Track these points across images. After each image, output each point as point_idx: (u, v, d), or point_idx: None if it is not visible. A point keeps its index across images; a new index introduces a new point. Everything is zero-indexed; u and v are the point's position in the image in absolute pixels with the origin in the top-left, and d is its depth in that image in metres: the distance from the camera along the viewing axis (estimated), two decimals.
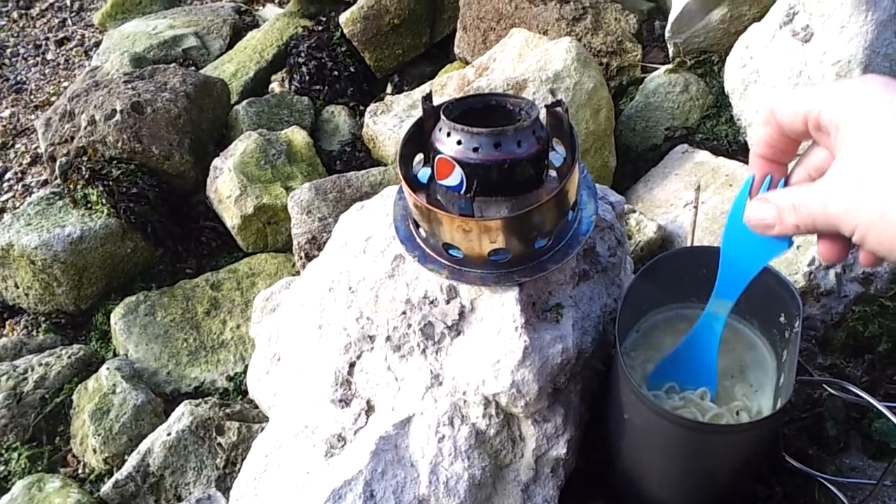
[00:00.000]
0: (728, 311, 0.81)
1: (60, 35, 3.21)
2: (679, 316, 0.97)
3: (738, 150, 1.72)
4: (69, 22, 3.28)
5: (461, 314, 0.92)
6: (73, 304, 1.85)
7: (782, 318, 0.87)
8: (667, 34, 1.93)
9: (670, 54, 1.96)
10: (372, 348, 0.98)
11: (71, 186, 1.92)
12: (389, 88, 2.42)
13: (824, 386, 0.87)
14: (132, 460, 1.42)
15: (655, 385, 0.90)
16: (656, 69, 1.93)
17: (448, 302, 0.92)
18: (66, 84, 2.92)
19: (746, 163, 1.63)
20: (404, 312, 0.94)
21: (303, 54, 2.40)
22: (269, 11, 3.01)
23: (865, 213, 0.50)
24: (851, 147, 0.51)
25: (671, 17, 1.89)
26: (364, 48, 2.36)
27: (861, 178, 0.50)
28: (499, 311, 0.89)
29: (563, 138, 0.90)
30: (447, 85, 2.01)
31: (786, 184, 0.63)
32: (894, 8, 1.44)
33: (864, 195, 0.50)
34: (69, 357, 1.70)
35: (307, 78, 2.35)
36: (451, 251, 0.87)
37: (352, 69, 2.37)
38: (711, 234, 1.49)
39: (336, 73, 2.36)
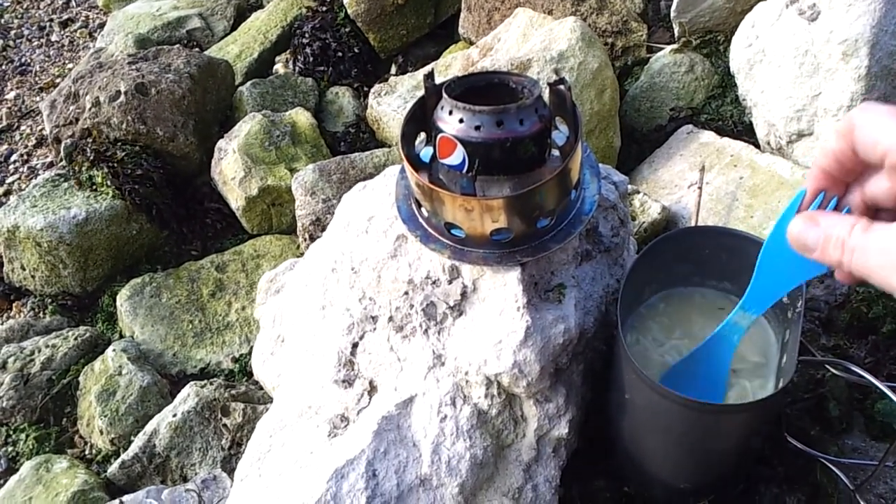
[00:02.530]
0: (749, 324, 0.78)
1: (65, 17, 3.20)
2: (681, 295, 0.97)
3: (743, 131, 1.71)
4: (73, 3, 3.27)
5: (463, 294, 0.92)
6: (79, 285, 1.86)
7: (785, 299, 0.86)
8: (672, 14, 1.91)
9: (676, 34, 1.94)
10: (374, 329, 0.99)
11: (76, 168, 1.92)
12: (394, 69, 2.41)
13: (827, 366, 0.86)
14: (138, 441, 1.43)
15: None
16: (662, 49, 1.92)
17: (450, 282, 0.92)
18: (70, 66, 2.92)
19: (751, 143, 1.62)
20: (406, 293, 0.94)
21: (307, 35, 2.38)
22: None
23: None
24: None
25: None
26: (368, 29, 2.35)
27: None
28: (501, 291, 0.89)
29: (566, 117, 0.89)
30: (451, 65, 2.00)
31: (838, 203, 0.58)
32: None
33: None
34: (75, 339, 1.71)
35: (311, 59, 2.35)
36: (453, 231, 0.87)
37: (356, 50, 2.36)
38: (716, 214, 1.48)
39: (340, 54, 2.35)
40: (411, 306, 0.94)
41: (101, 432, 1.52)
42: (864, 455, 1.02)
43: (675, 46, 1.88)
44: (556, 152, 0.90)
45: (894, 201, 0.52)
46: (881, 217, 0.56)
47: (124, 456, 1.42)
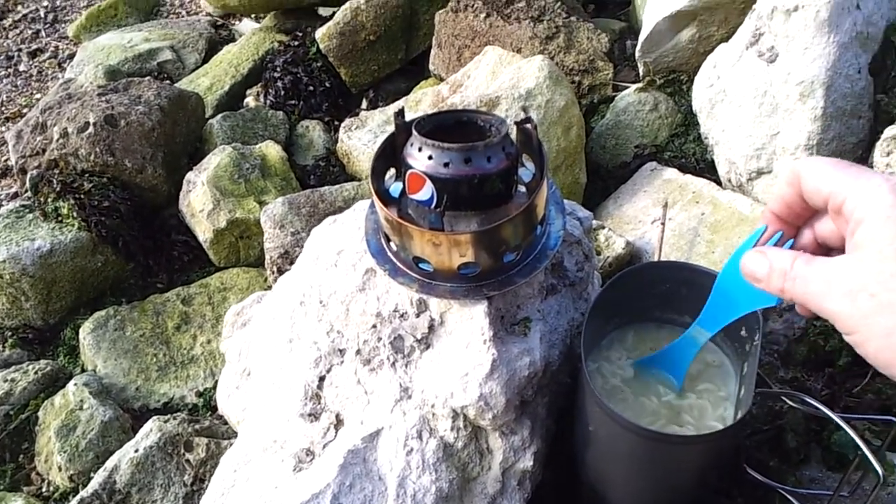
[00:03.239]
0: (705, 340, 0.84)
1: (34, 46, 3.19)
2: (643, 328, 0.99)
3: (704, 168, 1.75)
4: (43, 34, 3.26)
5: (431, 327, 0.92)
6: (41, 318, 1.83)
7: (743, 332, 0.88)
8: (637, 53, 1.97)
9: (640, 73, 2.00)
10: (342, 362, 0.99)
11: (41, 199, 1.90)
12: (364, 104, 2.43)
13: (784, 398, 0.89)
14: (98, 477, 1.40)
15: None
16: (627, 88, 1.97)
17: (418, 315, 0.93)
18: (38, 96, 2.90)
19: (713, 180, 1.67)
20: (374, 326, 0.95)
21: (278, 69, 2.40)
22: (246, 26, 3.01)
23: (872, 327, 0.51)
24: (871, 253, 0.51)
25: (641, 37, 1.93)
26: (340, 64, 2.38)
27: (876, 289, 0.50)
28: (468, 325, 0.90)
29: (533, 154, 0.91)
30: (422, 101, 2.03)
31: (793, 245, 0.65)
32: (855, 31, 1.49)
33: (874, 309, 0.50)
34: (36, 372, 1.68)
35: (282, 92, 2.36)
36: (421, 265, 0.88)
37: (327, 84, 2.38)
38: (678, 250, 1.51)
39: (311, 88, 2.37)
40: (379, 339, 0.94)
41: (60, 468, 1.49)
42: (822, 485, 1.04)
43: (639, 85, 1.93)
44: (522, 188, 0.92)
45: (840, 241, 0.57)
46: (832, 255, 0.61)
47: (83, 493, 1.39)
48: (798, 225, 0.65)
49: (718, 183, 1.68)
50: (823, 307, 0.54)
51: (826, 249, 0.64)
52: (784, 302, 0.64)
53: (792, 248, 0.64)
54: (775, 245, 0.65)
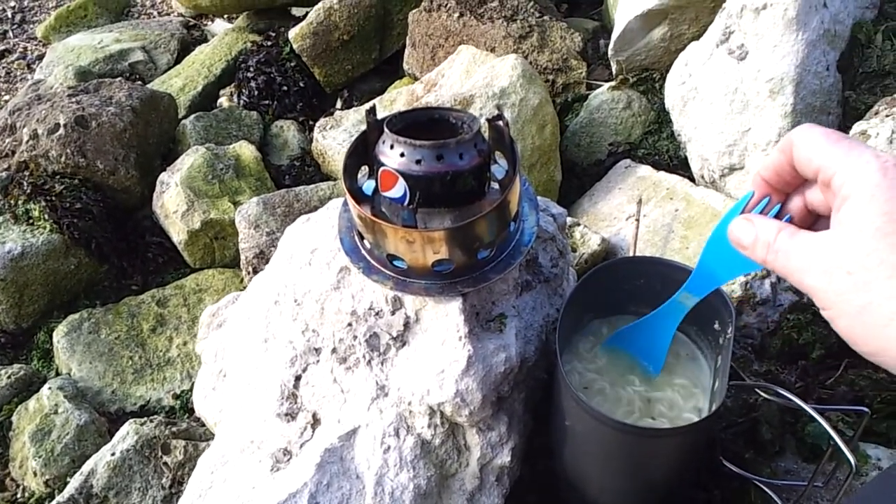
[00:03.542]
0: (692, 304, 0.84)
1: (1, 47, 3.14)
2: (618, 322, 0.99)
3: (678, 165, 1.77)
4: (10, 34, 3.21)
5: (406, 325, 0.92)
6: (14, 322, 1.80)
7: (717, 325, 0.90)
8: (610, 52, 1.98)
9: (614, 72, 2.01)
10: (318, 361, 0.99)
11: (12, 202, 1.88)
12: (339, 103, 2.42)
13: (757, 391, 0.90)
14: (75, 482, 1.38)
15: (609, 348, 0.96)
16: (600, 86, 1.98)
17: (393, 313, 0.93)
18: (6, 97, 2.85)
19: (686, 177, 1.68)
20: (350, 324, 0.95)
21: (252, 69, 2.39)
22: (218, 26, 2.99)
23: (845, 304, 0.51)
24: (851, 231, 0.52)
25: (614, 36, 1.94)
26: (313, 63, 2.37)
27: (853, 267, 0.51)
28: (443, 322, 0.90)
29: (505, 151, 0.92)
30: (396, 100, 2.03)
31: (781, 209, 0.65)
32: (823, 28, 1.51)
33: (849, 287, 0.51)
34: (9, 377, 1.66)
35: (256, 93, 2.35)
36: (395, 262, 0.88)
37: (301, 84, 2.37)
38: (653, 245, 1.52)
39: (285, 87, 2.36)
40: (354, 338, 0.94)
41: (35, 474, 1.47)
42: (797, 476, 1.05)
43: (612, 84, 1.95)
44: (495, 185, 0.92)
45: (828, 210, 0.57)
46: (819, 222, 0.63)
47: (59, 498, 1.37)
48: (787, 192, 0.64)
49: (692, 179, 1.70)
50: (803, 282, 0.55)
51: (815, 217, 0.64)
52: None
53: (779, 213, 0.64)
54: (762, 211, 0.65)
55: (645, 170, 1.73)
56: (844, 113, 1.58)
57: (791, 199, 0.64)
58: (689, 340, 0.97)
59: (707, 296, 0.81)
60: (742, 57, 1.56)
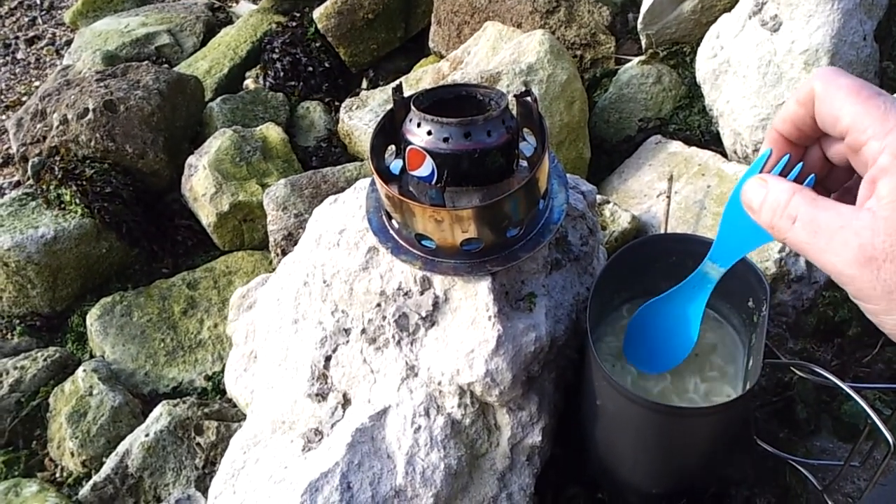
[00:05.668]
0: (719, 275, 0.78)
1: (31, 34, 3.17)
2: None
3: (710, 140, 1.73)
4: (39, 21, 3.24)
5: (435, 305, 0.92)
6: (48, 305, 1.83)
7: (751, 303, 0.88)
8: (639, 26, 1.94)
9: (643, 46, 1.97)
10: (347, 341, 0.99)
11: (44, 187, 1.90)
12: (365, 83, 2.41)
13: (793, 369, 0.88)
14: (110, 462, 1.41)
15: (634, 329, 0.91)
16: (629, 61, 1.94)
17: (422, 293, 0.92)
18: (37, 83, 2.89)
19: (718, 152, 1.65)
20: (379, 304, 0.94)
21: (277, 50, 2.39)
22: (243, 8, 2.99)
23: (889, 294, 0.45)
24: (890, 212, 0.45)
25: (643, 9, 1.90)
26: (338, 43, 2.36)
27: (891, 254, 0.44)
28: (472, 301, 0.90)
29: (533, 128, 0.90)
30: (422, 79, 2.01)
31: (804, 168, 0.57)
32: None
33: (888, 275, 0.44)
34: (45, 360, 1.68)
35: (282, 74, 2.35)
36: (423, 242, 0.88)
37: (326, 65, 2.37)
38: (684, 223, 1.50)
39: (311, 68, 2.35)
40: (384, 318, 0.94)
41: (72, 454, 1.50)
42: (832, 456, 1.04)
43: (642, 58, 1.91)
44: (523, 163, 0.91)
45: (846, 164, 0.52)
46: (834, 173, 0.57)
47: (96, 478, 1.40)
48: (806, 146, 0.57)
49: (724, 155, 1.66)
50: (834, 267, 0.48)
51: (832, 166, 0.57)
52: None
53: (801, 174, 0.56)
54: (781, 172, 0.57)
55: (676, 146, 1.70)
56: (882, 84, 1.53)
57: (808, 151, 0.57)
58: (722, 319, 0.95)
59: (740, 273, 0.79)
60: (775, 28, 1.52)
